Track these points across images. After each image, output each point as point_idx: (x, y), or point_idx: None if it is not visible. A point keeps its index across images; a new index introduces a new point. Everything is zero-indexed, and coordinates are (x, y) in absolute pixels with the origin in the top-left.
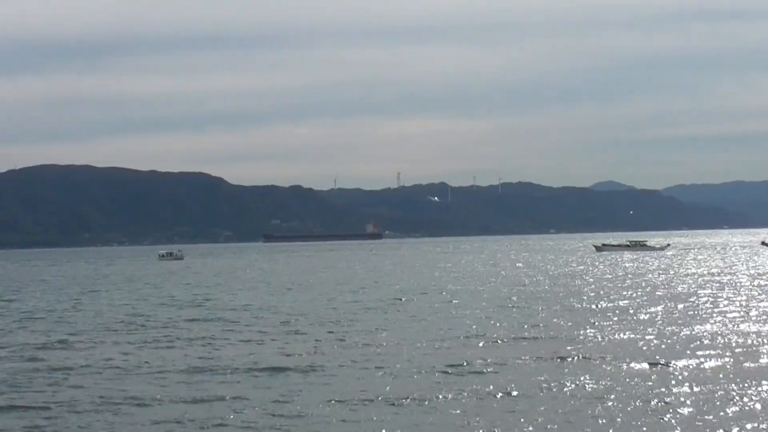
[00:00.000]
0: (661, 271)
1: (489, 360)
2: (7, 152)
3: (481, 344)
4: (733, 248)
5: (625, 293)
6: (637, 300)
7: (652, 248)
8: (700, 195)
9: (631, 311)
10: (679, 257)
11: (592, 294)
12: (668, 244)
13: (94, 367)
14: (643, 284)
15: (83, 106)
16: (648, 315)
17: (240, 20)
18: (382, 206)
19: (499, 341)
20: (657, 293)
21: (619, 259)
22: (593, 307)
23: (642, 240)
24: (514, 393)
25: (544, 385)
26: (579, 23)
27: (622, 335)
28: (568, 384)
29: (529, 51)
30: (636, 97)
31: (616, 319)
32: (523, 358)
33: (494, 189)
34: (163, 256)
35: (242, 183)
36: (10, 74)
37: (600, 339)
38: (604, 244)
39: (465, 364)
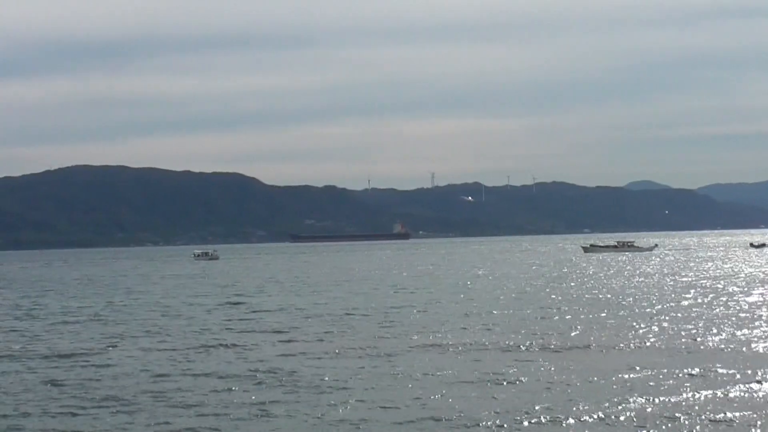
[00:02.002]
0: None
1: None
2: (43, 153)
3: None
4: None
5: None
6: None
7: (640, 249)
8: (735, 194)
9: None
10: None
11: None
12: (656, 245)
13: (134, 370)
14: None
15: (117, 107)
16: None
17: (272, 20)
18: (416, 206)
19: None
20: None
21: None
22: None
23: (630, 240)
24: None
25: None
26: (610, 21)
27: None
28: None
29: (562, 49)
30: (669, 95)
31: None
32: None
33: (528, 188)
34: (198, 256)
35: (276, 183)
36: (45, 75)
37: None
38: (592, 245)
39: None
